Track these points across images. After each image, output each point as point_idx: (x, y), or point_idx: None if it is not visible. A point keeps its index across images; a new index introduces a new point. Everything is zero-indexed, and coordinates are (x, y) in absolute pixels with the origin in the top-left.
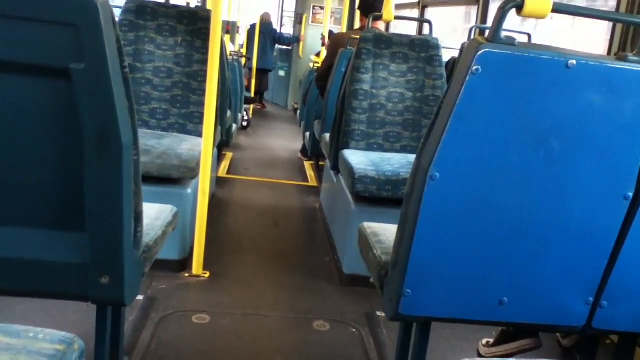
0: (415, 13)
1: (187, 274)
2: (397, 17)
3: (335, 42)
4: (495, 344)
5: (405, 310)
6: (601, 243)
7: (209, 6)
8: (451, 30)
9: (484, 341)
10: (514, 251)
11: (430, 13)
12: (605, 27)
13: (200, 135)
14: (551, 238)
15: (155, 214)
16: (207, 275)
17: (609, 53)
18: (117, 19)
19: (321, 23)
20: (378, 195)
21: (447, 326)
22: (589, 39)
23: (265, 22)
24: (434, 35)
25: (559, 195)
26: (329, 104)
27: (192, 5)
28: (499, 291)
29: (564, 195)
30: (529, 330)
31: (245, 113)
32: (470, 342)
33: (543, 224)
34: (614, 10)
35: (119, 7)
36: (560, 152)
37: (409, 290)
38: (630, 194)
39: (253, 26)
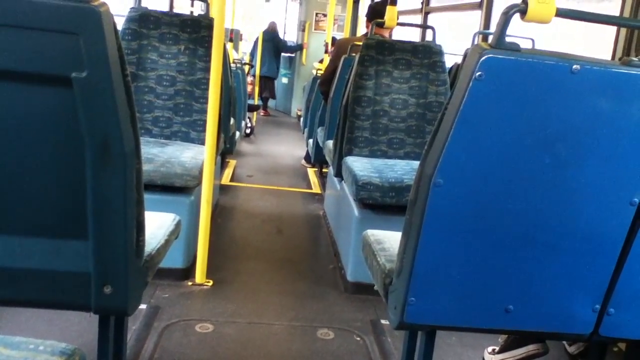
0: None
1: (190, 283)
2: (399, 24)
3: (338, 47)
4: (501, 351)
5: (410, 319)
6: (608, 249)
7: (211, 14)
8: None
9: (490, 349)
10: (519, 258)
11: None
12: None
13: (203, 143)
14: (557, 244)
15: (157, 222)
16: (211, 283)
17: (613, 57)
18: (120, 28)
19: (324, 30)
20: (382, 202)
21: (453, 334)
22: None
23: (271, 31)
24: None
25: (565, 201)
26: (332, 110)
27: (196, 14)
28: (505, 299)
29: (570, 201)
30: (535, 337)
31: (248, 120)
32: (477, 349)
33: (549, 230)
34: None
35: (122, 16)
36: (566, 158)
37: (414, 298)
38: (637, 200)
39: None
